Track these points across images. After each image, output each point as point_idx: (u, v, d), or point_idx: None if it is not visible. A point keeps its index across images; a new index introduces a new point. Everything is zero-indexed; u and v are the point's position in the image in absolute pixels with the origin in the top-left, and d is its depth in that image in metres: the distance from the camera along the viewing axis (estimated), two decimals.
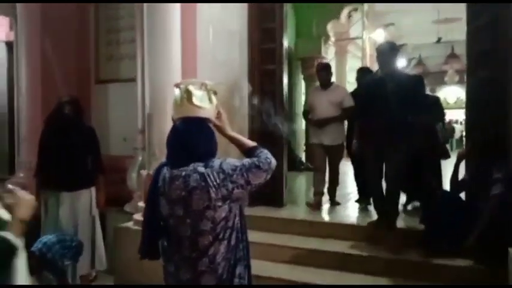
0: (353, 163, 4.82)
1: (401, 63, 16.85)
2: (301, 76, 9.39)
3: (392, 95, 3.38)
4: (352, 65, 10.51)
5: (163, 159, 3.32)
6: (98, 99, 5.04)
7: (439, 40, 13.62)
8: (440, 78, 18.68)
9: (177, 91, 1.79)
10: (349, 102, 4.43)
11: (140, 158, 4.28)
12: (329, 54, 9.54)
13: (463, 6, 3.88)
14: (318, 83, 4.88)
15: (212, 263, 1.72)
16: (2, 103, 7.37)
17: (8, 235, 1.51)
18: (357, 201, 4.86)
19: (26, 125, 5.14)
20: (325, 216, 4.46)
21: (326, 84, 4.64)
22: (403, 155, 3.48)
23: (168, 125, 3.43)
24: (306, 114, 4.90)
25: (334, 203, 4.78)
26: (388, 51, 3.59)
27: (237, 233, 1.78)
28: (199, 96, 1.76)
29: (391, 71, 3.60)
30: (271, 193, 4.34)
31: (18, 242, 1.52)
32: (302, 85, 9.51)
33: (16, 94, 5.67)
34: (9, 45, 7.26)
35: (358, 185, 4.85)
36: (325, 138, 4.55)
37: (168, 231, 1.80)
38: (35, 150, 5.01)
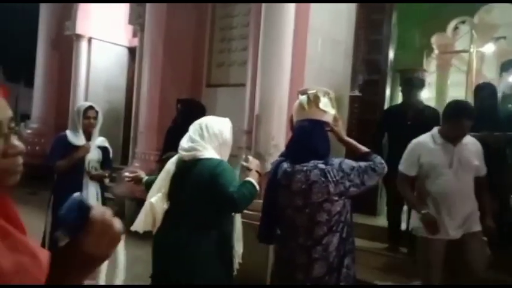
0: None
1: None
2: (399, 88, 9.17)
3: None
4: (454, 80, 9.99)
5: (268, 158, 3.64)
6: (207, 101, 5.48)
7: None
8: None
9: (303, 97, 2.01)
10: (484, 166, 2.72)
11: (244, 156, 4.58)
12: (431, 67, 9.20)
13: None
14: (433, 130, 2.71)
15: (325, 251, 1.90)
16: (120, 101, 8.31)
17: (254, 181, 2.04)
18: None
19: (144, 121, 5.71)
20: None
21: (460, 136, 2.62)
22: None
23: (275, 127, 3.75)
24: (405, 186, 2.75)
25: None
26: None
27: (348, 227, 1.95)
28: (324, 103, 1.98)
29: None
30: (366, 201, 4.37)
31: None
32: (399, 98, 9.28)
33: (135, 94, 6.30)
34: (131, 50, 8.19)
35: None
36: (453, 224, 2.60)
37: (284, 219, 2.02)
38: (150, 144, 5.63)
